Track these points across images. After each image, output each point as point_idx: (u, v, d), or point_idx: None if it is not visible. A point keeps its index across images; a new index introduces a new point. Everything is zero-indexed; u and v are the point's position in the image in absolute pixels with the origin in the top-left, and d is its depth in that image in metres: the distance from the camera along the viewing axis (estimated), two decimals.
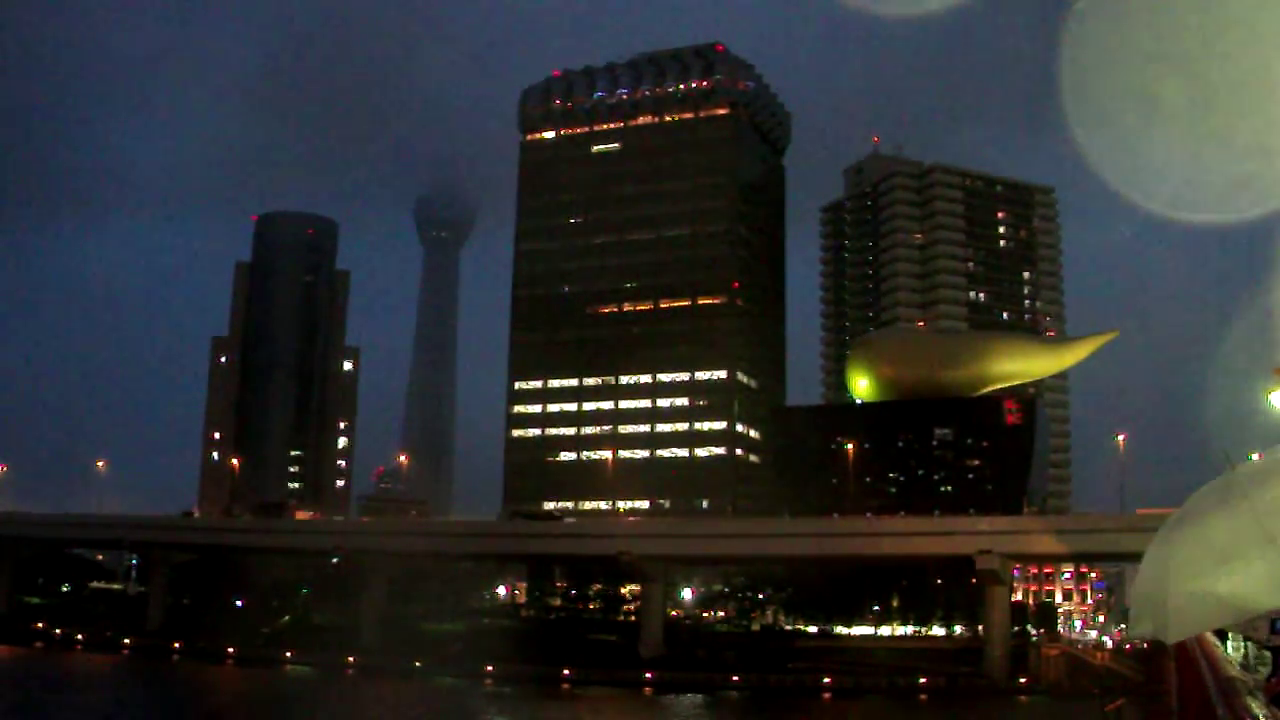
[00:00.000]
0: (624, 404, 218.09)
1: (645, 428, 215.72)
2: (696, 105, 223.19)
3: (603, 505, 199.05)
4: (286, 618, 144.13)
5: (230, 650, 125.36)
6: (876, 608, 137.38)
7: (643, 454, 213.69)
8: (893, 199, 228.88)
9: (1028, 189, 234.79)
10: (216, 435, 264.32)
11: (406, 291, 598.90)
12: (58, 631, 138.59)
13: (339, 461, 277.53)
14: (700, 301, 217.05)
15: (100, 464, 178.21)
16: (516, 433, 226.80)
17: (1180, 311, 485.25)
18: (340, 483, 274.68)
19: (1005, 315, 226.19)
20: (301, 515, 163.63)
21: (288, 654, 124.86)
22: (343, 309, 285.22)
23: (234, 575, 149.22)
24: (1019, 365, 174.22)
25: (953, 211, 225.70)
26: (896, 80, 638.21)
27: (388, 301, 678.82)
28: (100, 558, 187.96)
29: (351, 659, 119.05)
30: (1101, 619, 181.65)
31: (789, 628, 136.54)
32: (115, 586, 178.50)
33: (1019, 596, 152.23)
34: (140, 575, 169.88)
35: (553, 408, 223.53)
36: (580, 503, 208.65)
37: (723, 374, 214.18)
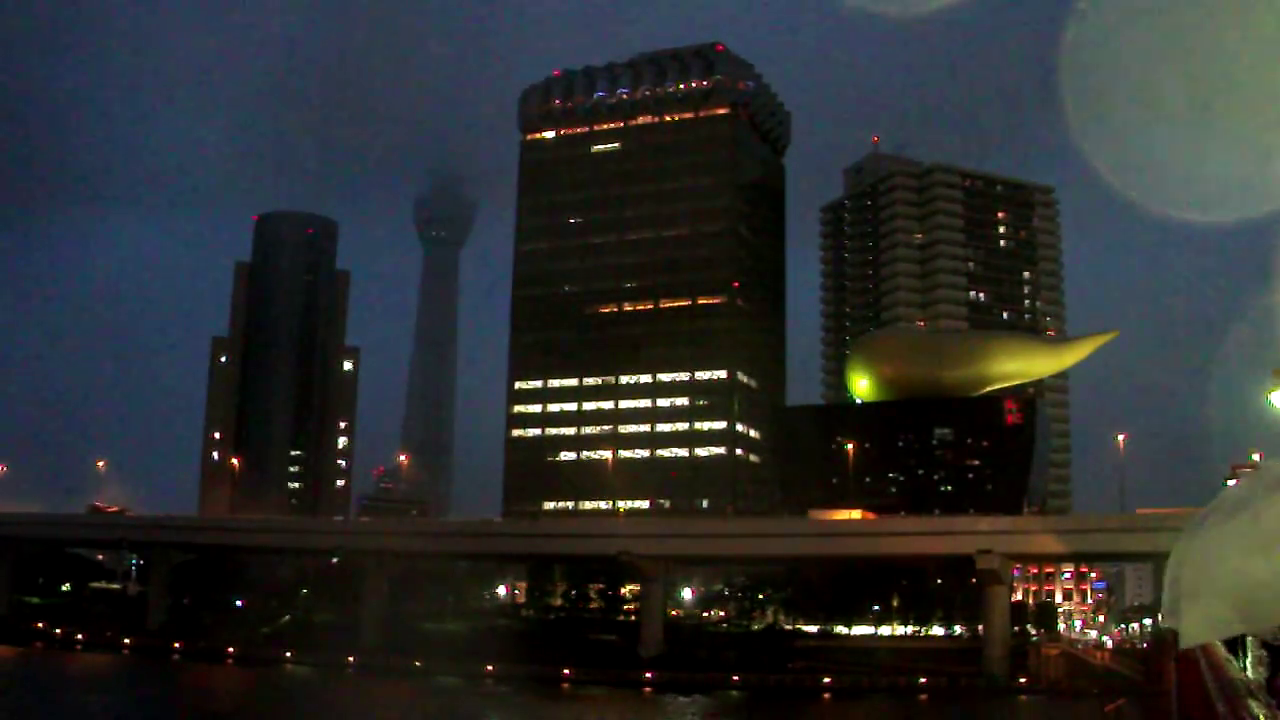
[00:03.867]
0: (624, 404, 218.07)
1: (645, 428, 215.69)
2: (696, 105, 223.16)
3: (603, 505, 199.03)
4: (286, 618, 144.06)
5: (230, 650, 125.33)
6: (876, 608, 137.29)
7: (643, 454, 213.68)
8: (893, 199, 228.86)
9: (1028, 189, 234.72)
10: (216, 435, 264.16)
11: (406, 291, 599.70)
12: (58, 631, 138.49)
13: (339, 461, 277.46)
14: (700, 301, 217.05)
15: (100, 464, 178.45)
16: (516, 433, 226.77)
17: (1180, 312, 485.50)
18: (340, 483, 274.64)
19: (1005, 315, 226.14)
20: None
21: (288, 654, 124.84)
22: (343, 309, 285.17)
23: (234, 575, 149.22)
24: (1019, 365, 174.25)
25: (953, 211, 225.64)
26: (896, 80, 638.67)
27: (388, 301, 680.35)
28: (100, 558, 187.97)
29: (351, 659, 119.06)
30: (1101, 619, 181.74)
31: (789, 628, 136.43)
32: (115, 586, 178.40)
33: (1019, 596, 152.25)
34: (140, 575, 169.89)
35: (553, 408, 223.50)
36: (580, 503, 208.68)
37: (723, 374, 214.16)
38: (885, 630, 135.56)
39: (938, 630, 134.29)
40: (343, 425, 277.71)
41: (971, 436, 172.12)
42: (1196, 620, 7.08)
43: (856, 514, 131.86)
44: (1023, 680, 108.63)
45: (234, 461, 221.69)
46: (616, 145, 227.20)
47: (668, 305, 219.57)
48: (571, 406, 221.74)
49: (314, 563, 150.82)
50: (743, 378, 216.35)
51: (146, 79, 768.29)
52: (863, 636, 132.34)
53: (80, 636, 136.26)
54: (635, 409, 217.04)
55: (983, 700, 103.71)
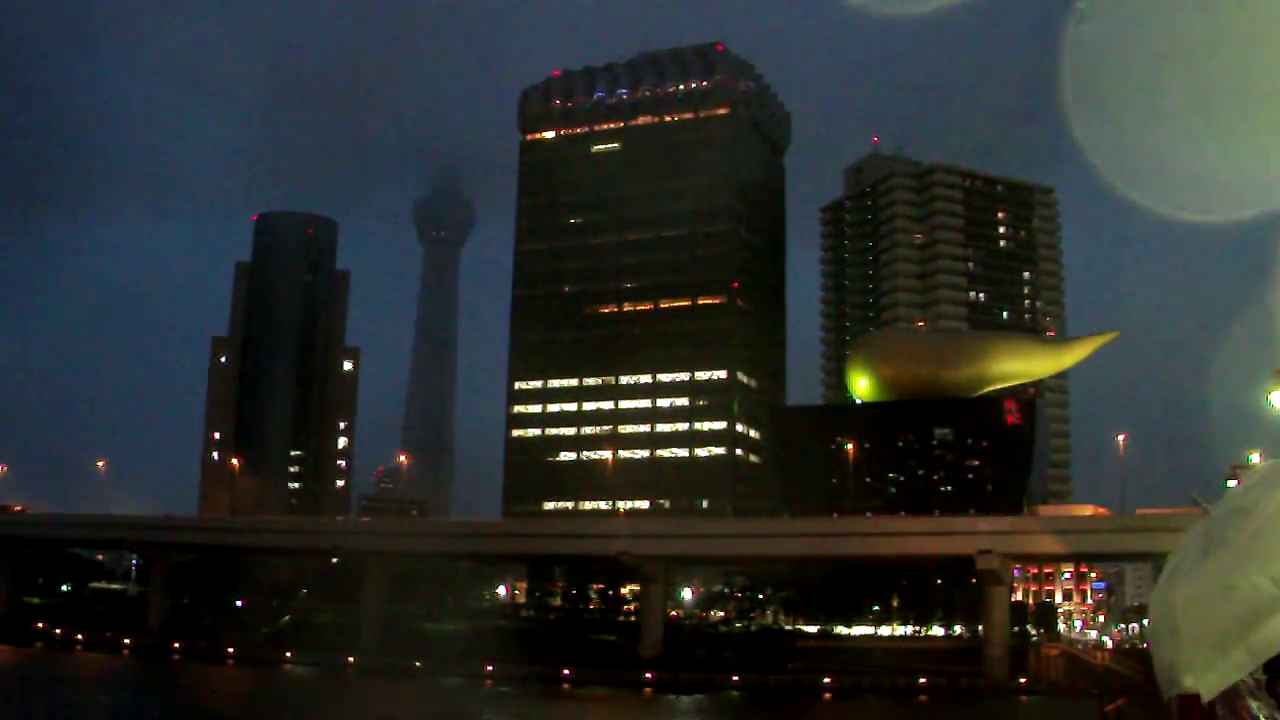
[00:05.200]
0: (624, 404, 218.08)
1: (645, 428, 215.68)
2: (696, 105, 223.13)
3: (603, 505, 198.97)
4: (286, 618, 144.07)
5: (230, 650, 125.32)
6: (876, 608, 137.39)
7: (643, 454, 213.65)
8: (893, 199, 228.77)
9: (1028, 189, 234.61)
10: (216, 435, 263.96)
11: (406, 291, 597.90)
12: (58, 631, 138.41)
13: (339, 461, 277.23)
14: (700, 301, 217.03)
15: (100, 464, 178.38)
16: (516, 433, 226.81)
17: (1180, 311, 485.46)
18: (340, 483, 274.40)
19: (1005, 315, 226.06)
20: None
21: (288, 654, 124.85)
22: (343, 309, 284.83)
23: (234, 575, 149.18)
24: (1019, 365, 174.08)
25: (953, 211, 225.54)
26: (896, 80, 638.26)
27: (388, 301, 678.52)
28: (100, 558, 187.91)
29: (351, 659, 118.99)
30: (1101, 619, 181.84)
31: (789, 628, 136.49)
32: (115, 586, 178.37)
33: (1019, 596, 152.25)
34: (140, 575, 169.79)
35: (553, 408, 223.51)
36: (580, 503, 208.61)
37: (723, 374, 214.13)
38: (885, 630, 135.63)
39: (938, 630, 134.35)
40: (343, 425, 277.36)
41: (971, 436, 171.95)
42: (1210, 678, 7.00)
43: (1091, 509, 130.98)
44: (1023, 680, 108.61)
45: (234, 461, 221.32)
46: (616, 145, 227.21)
47: (668, 305, 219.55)
48: (571, 406, 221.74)
49: (314, 563, 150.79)
50: (743, 378, 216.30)
51: (147, 79, 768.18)
52: (863, 636, 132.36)
53: (80, 636, 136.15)
54: (635, 409, 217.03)
55: (983, 700, 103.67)
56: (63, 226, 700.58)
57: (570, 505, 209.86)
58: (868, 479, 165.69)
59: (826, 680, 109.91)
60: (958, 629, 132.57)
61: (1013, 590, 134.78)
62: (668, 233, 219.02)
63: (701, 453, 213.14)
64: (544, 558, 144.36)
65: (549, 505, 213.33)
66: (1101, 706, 78.91)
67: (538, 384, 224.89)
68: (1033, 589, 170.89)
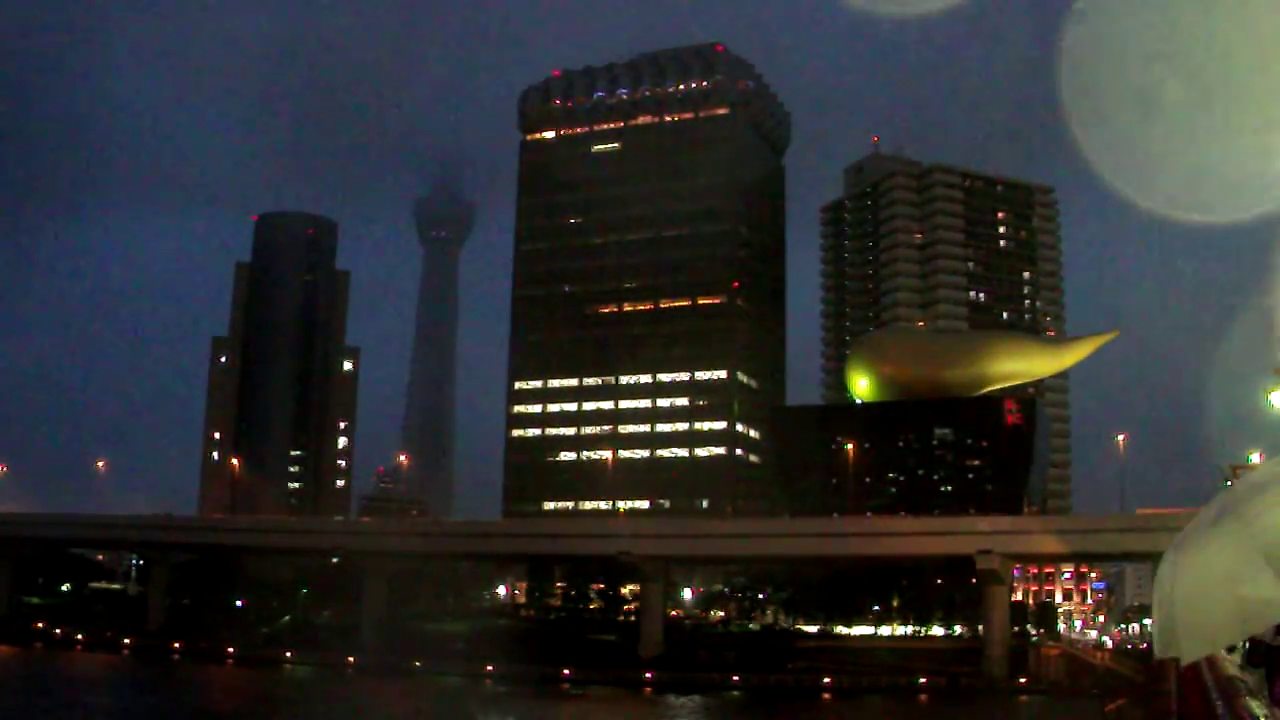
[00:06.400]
0: (624, 404, 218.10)
1: (645, 428, 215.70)
2: (696, 105, 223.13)
3: (603, 505, 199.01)
4: (286, 618, 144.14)
5: (230, 650, 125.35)
6: (876, 608, 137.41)
7: (643, 454, 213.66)
8: (893, 199, 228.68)
9: (1028, 189, 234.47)
10: (216, 435, 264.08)
11: (406, 291, 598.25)
12: (58, 631, 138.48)
13: (339, 461, 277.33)
14: (700, 301, 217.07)
15: (100, 464, 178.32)
16: (516, 433, 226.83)
17: (1180, 311, 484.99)
18: (340, 483, 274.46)
19: (1005, 315, 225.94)
20: None
21: (288, 654, 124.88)
22: (343, 309, 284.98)
23: (234, 575, 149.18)
24: (1019, 365, 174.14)
25: (953, 211, 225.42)
26: (896, 80, 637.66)
27: (388, 301, 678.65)
28: (100, 558, 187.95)
29: (351, 659, 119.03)
30: (1101, 619, 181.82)
31: (789, 628, 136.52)
32: (115, 586, 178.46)
33: (1019, 596, 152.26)
34: (140, 575, 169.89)
35: (553, 408, 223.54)
36: (580, 503, 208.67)
37: (723, 374, 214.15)
38: (885, 630, 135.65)
39: (938, 630, 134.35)
40: (343, 425, 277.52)
41: (971, 436, 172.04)
42: (1195, 640, 7.03)
43: None
44: (1023, 680, 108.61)
45: (234, 461, 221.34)
46: (616, 145, 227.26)
47: (668, 305, 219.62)
48: (571, 406, 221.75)
49: (314, 563, 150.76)
50: (743, 378, 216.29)
51: (147, 79, 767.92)
52: (863, 636, 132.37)
53: (80, 636, 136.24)
54: (635, 409, 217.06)
55: (983, 700, 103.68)
56: (62, 226, 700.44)
57: (570, 505, 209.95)
58: (868, 479, 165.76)
59: (826, 680, 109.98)
60: (958, 629, 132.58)
61: (1013, 590, 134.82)
62: (668, 233, 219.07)
63: (701, 453, 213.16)
64: (544, 558, 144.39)
65: (549, 505, 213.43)
66: (1102, 706, 78.96)
67: (538, 384, 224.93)
68: (1033, 589, 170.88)
